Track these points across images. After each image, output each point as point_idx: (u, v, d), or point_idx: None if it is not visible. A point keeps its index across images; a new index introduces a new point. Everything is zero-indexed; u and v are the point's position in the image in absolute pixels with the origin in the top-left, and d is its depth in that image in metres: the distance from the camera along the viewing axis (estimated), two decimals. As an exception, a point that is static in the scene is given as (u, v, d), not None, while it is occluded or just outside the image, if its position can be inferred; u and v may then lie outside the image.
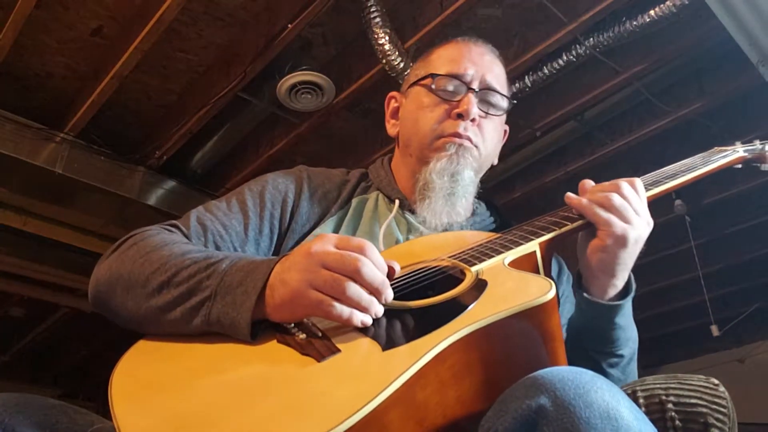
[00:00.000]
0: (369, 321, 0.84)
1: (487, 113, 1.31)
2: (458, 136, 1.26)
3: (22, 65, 3.13)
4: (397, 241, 1.23)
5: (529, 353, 0.84)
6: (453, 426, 0.78)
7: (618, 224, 1.02)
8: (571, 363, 1.06)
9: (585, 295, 1.06)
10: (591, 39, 2.89)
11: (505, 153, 3.83)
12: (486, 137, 1.31)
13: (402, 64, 2.81)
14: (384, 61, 2.78)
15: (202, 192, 3.86)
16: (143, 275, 0.98)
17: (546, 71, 3.08)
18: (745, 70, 2.97)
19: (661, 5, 2.67)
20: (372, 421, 0.69)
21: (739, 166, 1.37)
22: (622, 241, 1.02)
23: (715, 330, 4.65)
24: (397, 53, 2.78)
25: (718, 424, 0.84)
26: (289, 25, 2.74)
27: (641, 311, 5.49)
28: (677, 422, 0.84)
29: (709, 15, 2.52)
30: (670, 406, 0.85)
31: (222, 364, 0.87)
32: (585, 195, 1.08)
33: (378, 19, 2.71)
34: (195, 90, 3.30)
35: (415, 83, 1.36)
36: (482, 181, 1.38)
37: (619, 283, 1.06)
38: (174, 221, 1.17)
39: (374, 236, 1.23)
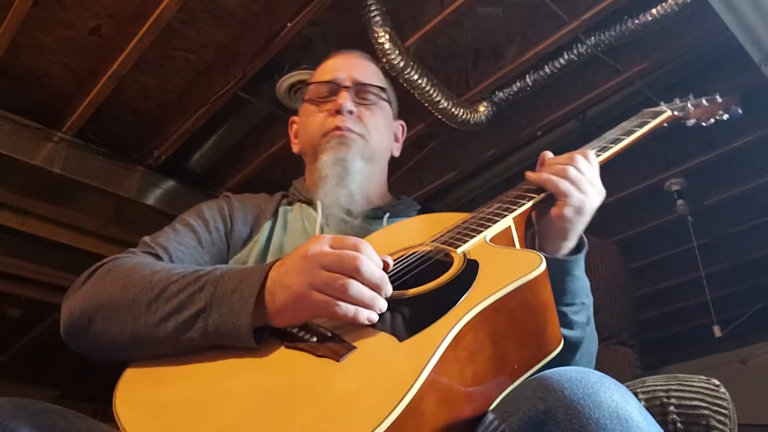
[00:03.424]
0: (375, 317, 0.85)
1: (364, 104, 1.44)
2: (338, 129, 1.38)
3: (20, 64, 3.11)
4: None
5: (530, 323, 0.88)
6: (470, 402, 0.79)
7: (575, 195, 1.10)
8: None
9: (543, 254, 1.10)
10: (592, 38, 2.88)
11: (506, 153, 3.85)
12: (370, 127, 1.42)
13: (402, 63, 2.79)
14: (384, 60, 2.77)
15: (201, 191, 3.84)
16: (128, 298, 0.97)
17: (547, 70, 3.06)
18: (747, 70, 2.95)
19: (663, 4, 2.65)
20: (410, 414, 0.69)
21: (665, 125, 1.51)
22: (578, 210, 1.11)
23: (717, 331, 4.63)
24: (397, 52, 2.77)
25: (720, 426, 0.84)
26: (289, 24, 2.73)
27: (643, 312, 5.49)
28: (679, 424, 0.84)
29: (711, 13, 2.51)
30: (671, 408, 0.85)
31: (233, 380, 0.84)
32: (543, 168, 1.18)
33: (378, 18, 2.70)
34: (194, 89, 3.28)
35: (303, 101, 1.54)
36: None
37: (572, 244, 1.16)
38: (133, 249, 1.19)
39: (306, 235, 1.32)
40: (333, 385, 0.77)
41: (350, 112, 1.40)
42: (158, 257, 1.15)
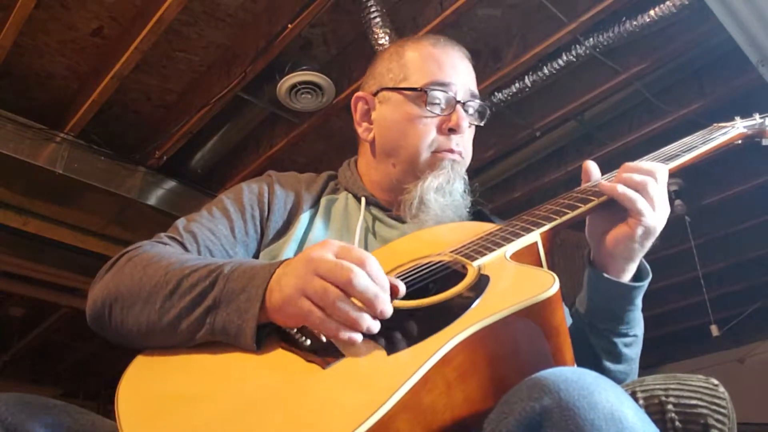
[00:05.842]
0: (357, 339, 0.81)
1: (472, 124, 1.32)
2: (452, 151, 1.27)
3: (23, 66, 3.13)
4: (366, 238, 1.24)
5: (535, 349, 0.83)
6: (462, 425, 0.77)
7: (650, 215, 1.01)
8: (586, 343, 1.09)
9: (606, 276, 1.05)
10: (591, 39, 2.89)
11: (505, 153, 3.86)
12: (469, 146, 1.33)
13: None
14: (384, 61, 2.78)
15: (203, 192, 3.86)
16: (144, 291, 0.97)
17: (546, 71, 3.08)
18: (745, 70, 2.97)
19: (661, 5, 2.67)
20: (379, 431, 0.68)
21: (739, 142, 1.33)
22: (652, 231, 1.02)
23: (714, 330, 4.66)
24: (397, 53, 2.78)
25: (718, 425, 0.83)
26: (290, 26, 2.74)
27: (641, 311, 5.49)
28: (677, 423, 0.83)
29: (709, 15, 2.53)
30: (670, 407, 0.85)
31: (229, 374, 0.86)
32: (618, 177, 1.06)
33: (378, 19, 2.71)
34: (195, 90, 3.30)
35: (394, 89, 1.31)
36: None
37: (635, 267, 1.07)
38: (162, 234, 1.17)
39: (346, 234, 1.24)
40: (312, 393, 0.76)
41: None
42: (184, 246, 1.13)
